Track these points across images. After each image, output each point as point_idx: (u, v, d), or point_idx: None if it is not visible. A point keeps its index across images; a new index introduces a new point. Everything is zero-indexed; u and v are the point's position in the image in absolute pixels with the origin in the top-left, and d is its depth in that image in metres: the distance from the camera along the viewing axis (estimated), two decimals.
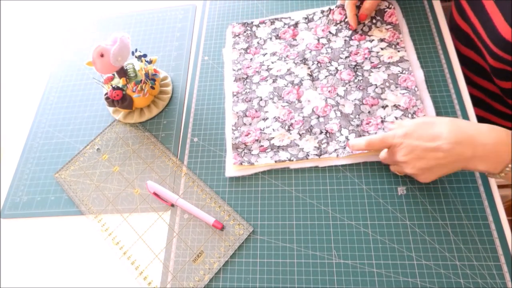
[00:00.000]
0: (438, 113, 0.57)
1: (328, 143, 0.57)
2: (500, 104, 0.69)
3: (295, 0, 0.75)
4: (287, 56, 0.67)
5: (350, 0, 0.66)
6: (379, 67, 0.62)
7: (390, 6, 0.67)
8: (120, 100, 0.63)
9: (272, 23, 0.73)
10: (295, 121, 0.60)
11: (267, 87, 0.65)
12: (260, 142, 0.59)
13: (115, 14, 0.84)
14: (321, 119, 0.59)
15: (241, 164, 0.57)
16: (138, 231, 0.57)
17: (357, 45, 0.65)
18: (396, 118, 0.57)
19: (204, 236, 0.54)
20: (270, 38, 0.71)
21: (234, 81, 0.67)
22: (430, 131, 0.46)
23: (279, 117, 0.61)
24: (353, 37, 0.67)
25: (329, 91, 0.62)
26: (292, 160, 0.56)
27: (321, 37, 0.68)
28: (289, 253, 0.51)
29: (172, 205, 0.58)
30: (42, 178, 0.64)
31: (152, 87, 0.64)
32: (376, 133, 0.56)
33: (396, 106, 0.58)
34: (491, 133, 0.44)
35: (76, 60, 0.79)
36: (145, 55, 0.64)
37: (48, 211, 0.61)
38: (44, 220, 0.61)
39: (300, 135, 0.59)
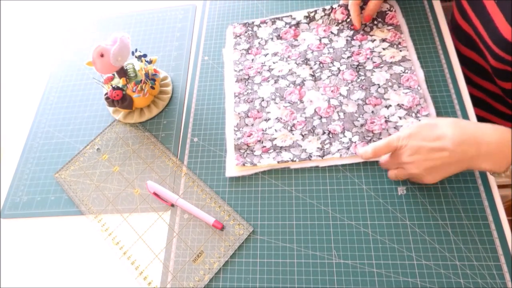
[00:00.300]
0: (438, 113, 0.57)
1: (331, 144, 0.57)
2: (501, 104, 0.69)
3: (295, 0, 0.75)
4: (288, 56, 0.67)
5: (354, 0, 0.66)
6: (382, 67, 0.62)
7: (391, 8, 0.67)
8: (120, 100, 0.63)
9: (273, 22, 0.73)
10: (298, 121, 0.60)
11: (269, 88, 0.65)
12: (262, 142, 0.59)
13: (115, 14, 0.84)
14: (324, 120, 0.59)
15: (243, 165, 0.57)
16: (138, 231, 0.57)
17: (359, 45, 0.66)
18: (400, 117, 0.57)
19: (204, 236, 0.54)
20: (272, 39, 0.71)
21: (235, 81, 0.67)
22: (434, 131, 0.46)
23: (281, 118, 0.61)
24: (355, 37, 0.67)
25: (331, 91, 0.62)
26: (295, 161, 0.56)
27: (323, 37, 0.68)
28: (289, 253, 0.51)
29: (172, 205, 0.58)
30: (42, 178, 0.64)
31: (152, 87, 0.64)
32: (380, 133, 0.56)
33: (400, 106, 0.58)
34: (495, 132, 0.45)
35: (76, 60, 0.79)
36: (145, 55, 0.64)
37: (48, 211, 0.61)
38: (44, 220, 0.61)
39: (303, 135, 0.59)
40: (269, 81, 0.65)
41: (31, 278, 0.56)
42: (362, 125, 0.57)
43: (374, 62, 0.63)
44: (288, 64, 0.66)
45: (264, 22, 0.73)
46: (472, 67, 0.69)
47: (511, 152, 0.43)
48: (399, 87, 0.59)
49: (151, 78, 0.64)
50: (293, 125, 0.60)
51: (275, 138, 0.59)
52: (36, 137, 0.70)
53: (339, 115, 0.59)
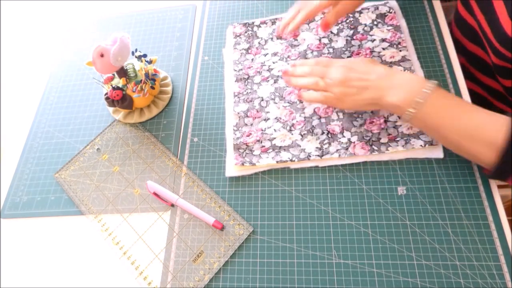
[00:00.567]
0: None
1: (330, 144, 0.57)
2: (502, 103, 0.69)
3: (295, 0, 0.75)
4: (288, 56, 0.67)
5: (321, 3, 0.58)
6: None
7: (391, 10, 0.67)
8: (120, 100, 0.63)
9: (273, 23, 0.73)
10: (297, 121, 0.60)
11: (268, 88, 0.65)
12: (261, 142, 0.59)
13: (115, 14, 0.84)
14: (323, 120, 0.59)
15: (242, 164, 0.57)
16: (138, 231, 0.57)
17: (359, 45, 0.66)
18: (399, 117, 0.57)
19: (204, 236, 0.54)
20: (271, 39, 0.71)
21: (235, 81, 0.67)
22: (368, 67, 0.54)
23: (280, 118, 0.61)
24: (354, 37, 0.67)
25: None
26: (294, 161, 0.56)
27: (323, 37, 0.68)
28: (289, 253, 0.51)
29: (172, 205, 0.58)
30: (42, 178, 0.64)
31: (152, 87, 0.64)
32: (379, 133, 0.56)
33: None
34: (409, 74, 0.53)
35: (76, 60, 0.79)
36: (145, 55, 0.64)
37: (48, 211, 0.61)
38: (44, 220, 0.61)
39: (302, 135, 0.59)
40: (268, 80, 0.65)
41: (31, 278, 0.56)
42: (361, 125, 0.57)
43: None
44: (288, 64, 0.66)
45: (264, 22, 0.73)
46: (476, 63, 0.68)
47: (419, 84, 0.49)
48: None
49: (151, 78, 0.64)
50: (292, 125, 0.60)
51: (274, 138, 0.59)
52: (36, 137, 0.70)
53: (338, 115, 0.59)
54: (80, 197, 0.61)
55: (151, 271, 0.53)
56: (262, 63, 0.68)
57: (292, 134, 0.59)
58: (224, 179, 0.58)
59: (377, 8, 0.69)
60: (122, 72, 0.62)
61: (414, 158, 0.54)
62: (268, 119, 0.61)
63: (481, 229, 0.49)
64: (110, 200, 0.60)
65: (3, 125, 0.77)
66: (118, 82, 0.63)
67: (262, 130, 0.60)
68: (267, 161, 0.57)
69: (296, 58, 0.67)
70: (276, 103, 0.63)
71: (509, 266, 0.46)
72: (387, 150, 0.55)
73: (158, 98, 0.68)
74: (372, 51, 0.64)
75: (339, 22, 0.69)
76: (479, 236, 0.48)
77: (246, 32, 0.73)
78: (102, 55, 0.58)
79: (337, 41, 0.67)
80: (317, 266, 0.50)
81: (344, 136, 0.57)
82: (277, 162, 0.57)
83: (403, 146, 0.54)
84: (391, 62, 0.62)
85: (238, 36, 0.73)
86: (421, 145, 0.54)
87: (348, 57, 0.65)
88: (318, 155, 0.56)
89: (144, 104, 0.66)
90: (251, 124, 0.61)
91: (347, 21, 0.68)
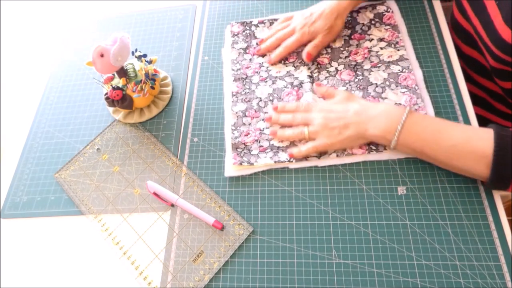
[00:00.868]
0: (438, 113, 0.57)
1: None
2: (501, 104, 0.69)
3: (295, 0, 0.75)
4: (287, 58, 0.67)
5: (296, 39, 0.65)
6: (379, 66, 0.62)
7: (389, 9, 0.67)
8: (120, 100, 0.63)
9: (271, 23, 0.73)
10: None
11: (267, 88, 0.65)
12: (259, 142, 0.59)
13: (115, 14, 0.84)
14: None
15: (240, 164, 0.57)
16: (138, 231, 0.57)
17: (357, 45, 0.66)
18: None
19: (204, 236, 0.54)
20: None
21: (233, 81, 0.67)
22: (345, 105, 0.56)
23: None
24: (352, 36, 0.67)
25: None
26: (292, 161, 0.56)
27: None
28: (289, 253, 0.51)
29: (172, 205, 0.58)
30: (42, 178, 0.64)
31: (152, 87, 0.64)
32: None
33: (397, 105, 0.58)
34: (383, 104, 0.56)
35: (76, 60, 0.79)
36: (145, 55, 0.64)
37: (48, 211, 0.61)
38: (44, 220, 0.61)
39: None
40: (266, 81, 0.65)
41: (31, 278, 0.56)
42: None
43: (371, 62, 0.63)
44: (286, 66, 0.66)
45: (262, 22, 0.73)
46: (473, 65, 0.69)
47: (398, 113, 0.50)
48: (396, 86, 0.59)
49: (151, 78, 0.64)
50: (290, 125, 0.60)
51: (272, 138, 0.59)
52: (36, 137, 0.70)
53: None
54: (80, 197, 0.61)
55: (151, 271, 0.53)
56: (260, 63, 0.68)
57: None
58: (224, 179, 0.58)
59: (375, 8, 0.69)
60: (122, 72, 0.62)
61: (414, 158, 0.54)
62: None
63: (481, 229, 0.49)
64: (110, 200, 0.60)
65: (3, 125, 0.77)
66: (118, 82, 0.63)
67: (260, 130, 0.61)
68: (265, 161, 0.57)
69: (295, 61, 0.66)
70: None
71: (509, 266, 0.46)
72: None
73: (158, 98, 0.68)
74: (370, 51, 0.64)
75: None
76: (479, 236, 0.48)
77: (244, 31, 0.73)
78: (102, 55, 0.58)
79: (335, 40, 0.67)
80: (317, 266, 0.50)
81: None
82: (275, 162, 0.57)
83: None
84: (389, 62, 0.62)
85: (236, 35, 0.73)
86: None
87: (346, 57, 0.65)
88: (315, 156, 0.56)
89: (144, 104, 0.66)
90: (249, 124, 0.61)
91: (346, 20, 0.68)
